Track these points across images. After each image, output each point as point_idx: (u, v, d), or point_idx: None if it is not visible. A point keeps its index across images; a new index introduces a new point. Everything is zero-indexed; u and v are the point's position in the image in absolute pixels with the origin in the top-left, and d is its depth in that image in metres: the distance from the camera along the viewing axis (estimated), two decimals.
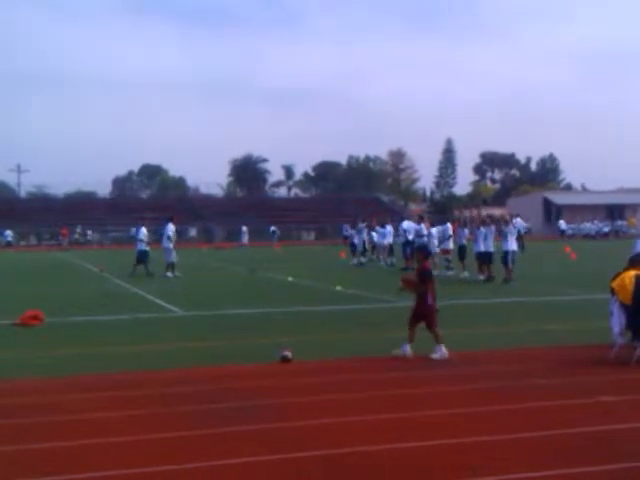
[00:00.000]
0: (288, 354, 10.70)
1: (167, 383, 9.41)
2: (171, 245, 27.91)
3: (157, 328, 14.61)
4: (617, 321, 10.37)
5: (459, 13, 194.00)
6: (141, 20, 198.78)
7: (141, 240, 29.01)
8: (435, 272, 26.98)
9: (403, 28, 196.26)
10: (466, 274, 25.53)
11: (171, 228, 28.38)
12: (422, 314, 11.03)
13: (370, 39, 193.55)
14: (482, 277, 24.28)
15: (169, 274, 27.44)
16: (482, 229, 25.00)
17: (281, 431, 7.19)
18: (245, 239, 66.04)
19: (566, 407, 8.05)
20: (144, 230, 29.54)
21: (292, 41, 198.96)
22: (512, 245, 23.45)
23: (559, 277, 25.82)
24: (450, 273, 26.70)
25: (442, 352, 10.76)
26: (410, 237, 29.80)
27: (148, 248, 28.99)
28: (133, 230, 29.76)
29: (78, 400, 8.59)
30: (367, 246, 35.28)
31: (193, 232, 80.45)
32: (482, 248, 24.42)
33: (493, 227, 24.75)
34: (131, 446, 6.79)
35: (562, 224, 71.70)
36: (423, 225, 29.95)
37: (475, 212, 31.55)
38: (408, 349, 10.83)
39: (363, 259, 34.48)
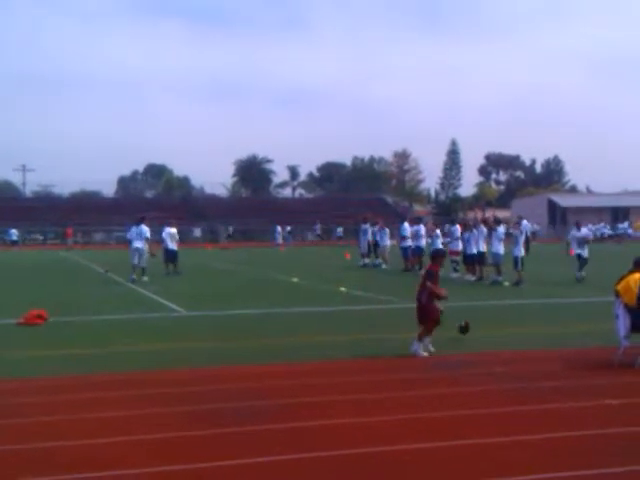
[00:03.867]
0: (439, 307, 11.48)
1: (173, 383, 9.41)
2: (146, 245, 26.59)
3: (161, 328, 14.59)
4: (622, 324, 10.36)
5: (464, 15, 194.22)
6: (146, 20, 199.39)
7: (166, 240, 28.57)
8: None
9: (408, 30, 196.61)
10: (470, 277, 25.60)
11: (146, 229, 26.55)
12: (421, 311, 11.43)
13: (375, 41, 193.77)
14: (473, 278, 25.37)
15: (133, 276, 25.63)
16: (475, 231, 25.87)
17: (294, 431, 7.20)
18: (279, 239, 65.84)
19: (571, 410, 8.03)
20: (169, 230, 28.87)
21: (298, 42, 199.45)
22: (520, 250, 23.43)
23: (564, 279, 25.75)
24: (455, 275, 26.68)
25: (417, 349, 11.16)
26: (408, 239, 30.04)
27: (176, 247, 28.70)
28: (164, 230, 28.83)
29: (83, 399, 8.59)
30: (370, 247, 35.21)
31: (197, 232, 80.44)
32: (473, 250, 25.51)
33: (483, 228, 25.21)
34: (138, 445, 6.79)
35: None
36: (422, 227, 30.13)
37: (480, 214, 31.33)
38: (426, 347, 11.24)
39: (367, 260, 34.40)
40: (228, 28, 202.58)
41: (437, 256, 12.11)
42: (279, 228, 67.12)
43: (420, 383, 9.38)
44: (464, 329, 12.70)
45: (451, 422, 7.52)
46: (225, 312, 16.93)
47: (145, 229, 26.37)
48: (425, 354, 11.10)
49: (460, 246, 27.53)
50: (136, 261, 26.14)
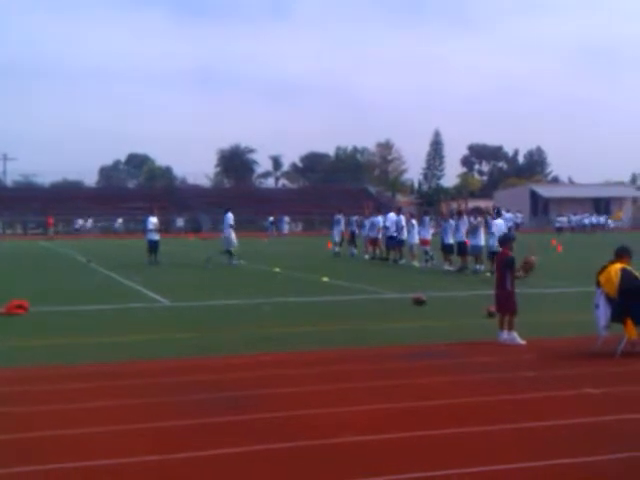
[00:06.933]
0: (422, 297, 12.32)
1: (154, 373, 9.39)
2: (232, 233, 28.72)
3: (144, 318, 14.55)
4: (603, 314, 10.43)
5: (447, 6, 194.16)
6: (129, 8, 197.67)
7: (151, 230, 29.28)
8: (415, 263, 27.51)
9: (391, 21, 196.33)
10: (448, 267, 25.76)
11: (231, 217, 29.00)
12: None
13: (358, 31, 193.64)
14: (451, 268, 25.43)
15: (235, 262, 28.29)
16: (451, 221, 26.01)
17: (269, 422, 7.19)
18: (286, 229, 65.69)
19: (551, 399, 8.09)
20: (153, 219, 29.84)
21: (281, 32, 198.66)
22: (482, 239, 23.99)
23: (544, 269, 25.91)
24: (428, 264, 26.87)
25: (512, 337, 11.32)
26: (392, 229, 30.12)
27: (158, 237, 29.39)
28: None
29: (64, 390, 8.56)
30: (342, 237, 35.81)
31: (180, 222, 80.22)
32: (450, 240, 25.70)
33: (465, 219, 25.29)
34: (118, 436, 6.78)
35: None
36: (402, 217, 30.23)
37: (463, 205, 31.30)
38: (504, 335, 11.35)
39: (338, 249, 34.70)
40: (211, 17, 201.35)
41: (507, 240, 12.24)
42: (287, 218, 67.00)
43: (398, 373, 9.38)
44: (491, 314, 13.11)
45: (429, 412, 7.56)
46: (208, 302, 16.90)
47: (229, 216, 28.96)
48: (523, 342, 11.21)
49: (429, 235, 27.95)
50: (225, 247, 29.04)
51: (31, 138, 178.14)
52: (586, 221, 75.82)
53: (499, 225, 24.02)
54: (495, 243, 23.24)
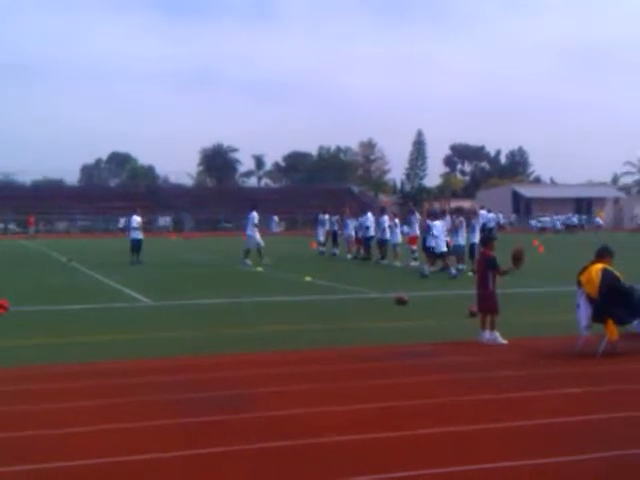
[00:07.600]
0: (404, 296, 12.62)
1: (140, 373, 9.37)
2: (256, 232, 27.99)
3: (126, 318, 14.52)
4: (584, 314, 10.52)
5: (431, 6, 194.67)
6: (111, 7, 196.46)
7: (135, 228, 29.21)
8: (397, 263, 27.57)
9: (375, 21, 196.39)
10: (429, 268, 25.78)
11: (256, 216, 28.30)
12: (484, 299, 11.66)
13: (342, 31, 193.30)
14: (433, 268, 25.01)
15: (265, 260, 27.44)
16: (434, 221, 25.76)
17: (255, 421, 7.20)
18: (276, 228, 65.45)
19: (534, 398, 8.15)
20: (137, 218, 29.74)
21: (265, 31, 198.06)
22: (477, 238, 23.90)
23: (526, 269, 26.06)
24: (414, 264, 26.89)
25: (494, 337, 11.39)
26: (371, 229, 30.24)
27: (142, 236, 29.30)
28: (121, 221, 29.81)
29: (48, 390, 8.53)
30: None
31: (163, 221, 79.93)
32: (432, 242, 25.17)
33: (448, 218, 25.38)
34: (108, 435, 6.77)
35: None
36: (386, 217, 30.28)
37: (446, 205, 31.58)
38: (487, 335, 11.42)
39: (323, 248, 34.92)
40: (195, 16, 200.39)
41: (489, 241, 12.30)
42: (276, 218, 66.81)
43: (382, 373, 9.40)
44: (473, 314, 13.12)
45: (411, 411, 7.60)
46: (189, 302, 16.85)
47: (254, 216, 28.13)
48: (505, 341, 11.30)
49: (417, 232, 27.97)
50: (248, 246, 28.16)
51: (11, 136, 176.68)
52: (574, 220, 76.43)
53: (437, 227, 23.68)
54: (434, 244, 23.53)
